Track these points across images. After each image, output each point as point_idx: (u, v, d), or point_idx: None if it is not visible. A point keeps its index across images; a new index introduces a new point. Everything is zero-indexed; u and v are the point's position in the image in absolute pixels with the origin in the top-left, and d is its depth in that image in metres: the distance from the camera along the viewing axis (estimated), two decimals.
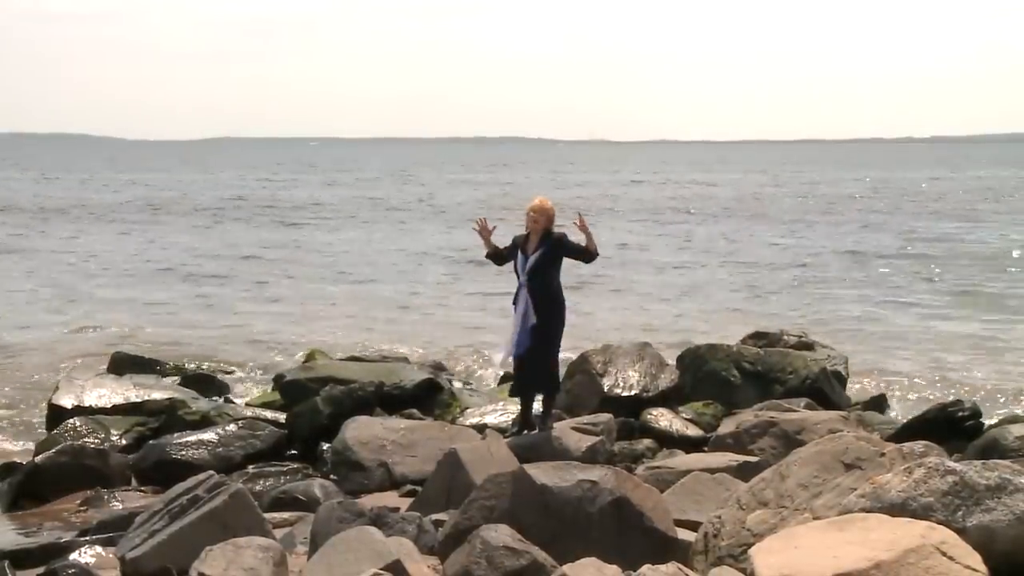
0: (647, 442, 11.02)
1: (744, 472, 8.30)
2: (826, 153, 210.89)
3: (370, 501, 8.57)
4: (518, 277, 9.80)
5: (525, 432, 9.91)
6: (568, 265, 9.94)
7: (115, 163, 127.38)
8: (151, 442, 10.99)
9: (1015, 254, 30.37)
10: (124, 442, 11.29)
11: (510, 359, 10.12)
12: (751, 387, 12.20)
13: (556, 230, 9.90)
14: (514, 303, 9.88)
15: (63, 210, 49.16)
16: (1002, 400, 14.05)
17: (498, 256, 10.13)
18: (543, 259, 9.69)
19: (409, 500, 8.95)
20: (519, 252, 9.81)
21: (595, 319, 19.55)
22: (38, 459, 10.45)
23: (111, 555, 7.76)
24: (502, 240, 10.22)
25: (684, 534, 7.07)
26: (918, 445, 7.15)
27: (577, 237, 9.85)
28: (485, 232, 10.05)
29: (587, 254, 9.83)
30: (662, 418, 11.44)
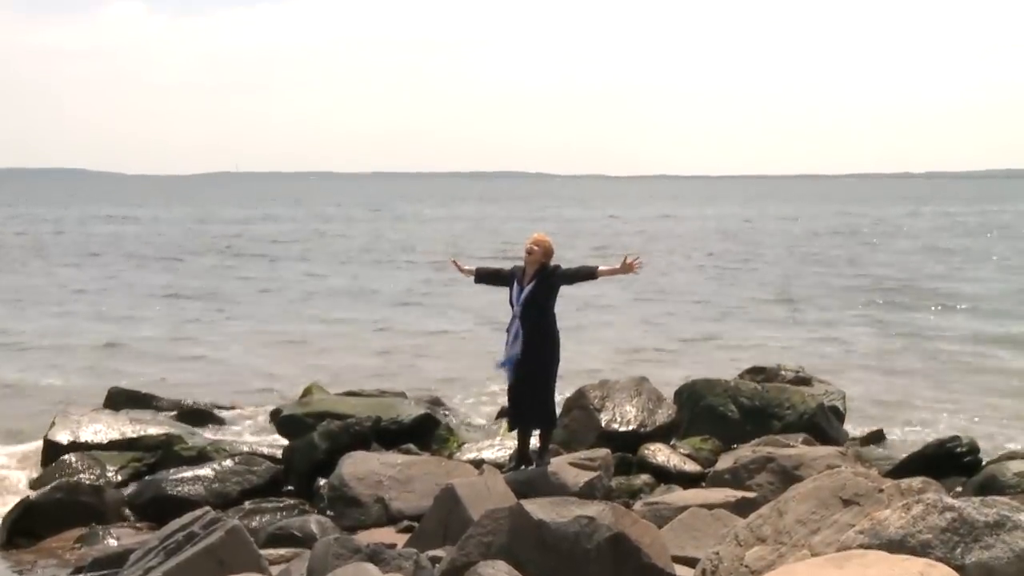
0: (645, 477, 10.99)
1: (742, 508, 8.27)
2: (819, 188, 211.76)
3: (367, 537, 8.52)
4: (512, 308, 9.84)
5: (522, 467, 9.90)
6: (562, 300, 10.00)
7: (100, 198, 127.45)
8: (147, 478, 10.96)
9: (996, 294, 30.43)
10: (120, 478, 11.25)
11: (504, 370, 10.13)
12: (749, 422, 12.17)
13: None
14: (507, 332, 9.93)
15: (37, 247, 48.85)
16: (999, 435, 14.03)
17: (489, 276, 10.25)
18: (536, 291, 9.71)
19: (406, 536, 8.91)
20: (515, 283, 9.86)
21: (587, 354, 19.51)
22: (33, 496, 10.41)
23: None
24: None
25: (682, 570, 7.04)
26: (916, 481, 7.11)
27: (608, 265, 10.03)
28: (459, 269, 10.36)
29: (586, 275, 9.92)
30: (659, 453, 11.41)
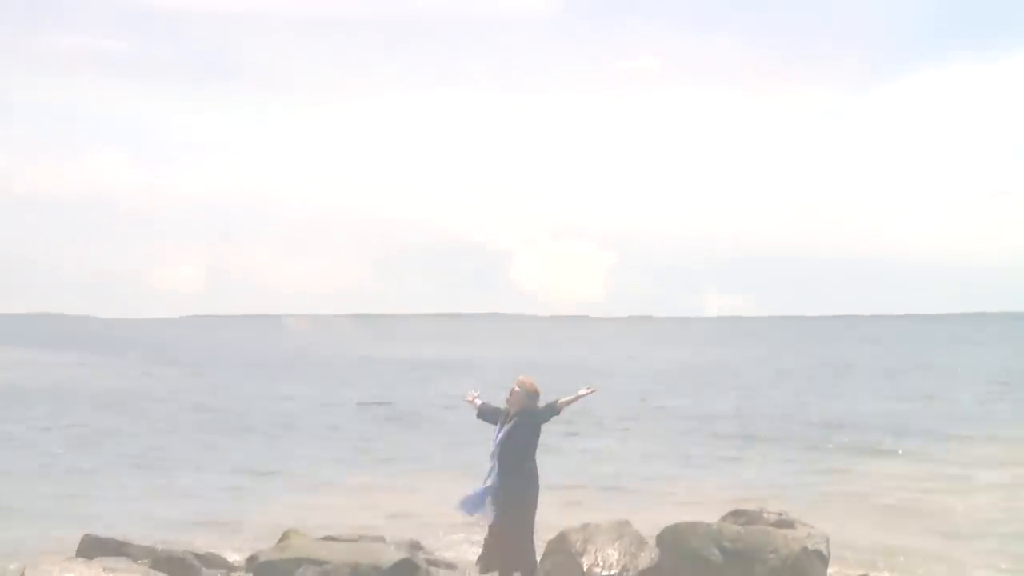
0: None
1: None
2: (797, 329, 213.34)
3: None
4: (492, 445, 9.93)
5: None
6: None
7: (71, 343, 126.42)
8: None
9: (956, 449, 30.22)
10: None
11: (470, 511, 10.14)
12: (732, 567, 12.06)
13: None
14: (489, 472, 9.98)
15: None
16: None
17: (487, 413, 10.42)
18: (513, 431, 9.81)
19: None
20: (499, 423, 9.97)
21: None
22: None
23: None
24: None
25: None
26: None
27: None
28: (471, 400, 10.57)
29: (553, 411, 10.03)
30: None
